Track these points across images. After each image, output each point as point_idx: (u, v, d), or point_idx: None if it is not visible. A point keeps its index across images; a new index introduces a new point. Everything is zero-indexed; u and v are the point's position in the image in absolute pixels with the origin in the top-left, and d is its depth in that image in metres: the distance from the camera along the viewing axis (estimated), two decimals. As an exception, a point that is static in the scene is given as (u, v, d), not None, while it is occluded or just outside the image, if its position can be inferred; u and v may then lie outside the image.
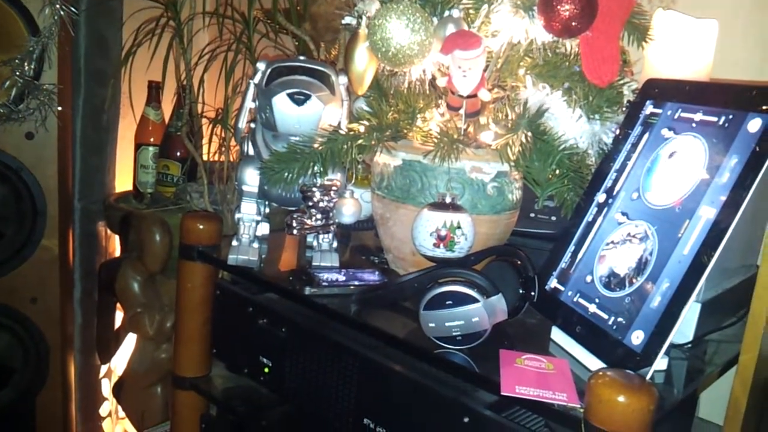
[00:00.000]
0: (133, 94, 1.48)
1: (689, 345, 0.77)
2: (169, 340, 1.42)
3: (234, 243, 0.93)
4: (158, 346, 1.44)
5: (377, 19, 0.81)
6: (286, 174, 0.86)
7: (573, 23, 0.76)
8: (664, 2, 0.99)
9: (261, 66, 0.92)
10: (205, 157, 1.47)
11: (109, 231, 1.66)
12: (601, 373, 0.58)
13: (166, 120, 1.58)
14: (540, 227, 0.98)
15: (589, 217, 0.78)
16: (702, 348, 0.79)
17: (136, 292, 1.41)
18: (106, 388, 1.72)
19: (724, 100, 0.69)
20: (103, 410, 1.74)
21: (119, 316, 1.57)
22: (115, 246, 1.72)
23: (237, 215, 0.94)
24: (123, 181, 1.72)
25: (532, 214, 1.00)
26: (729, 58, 1.03)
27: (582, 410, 0.59)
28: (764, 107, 0.64)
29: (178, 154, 1.53)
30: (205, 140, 1.48)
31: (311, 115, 0.87)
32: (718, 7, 1.06)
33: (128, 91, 1.45)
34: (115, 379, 1.63)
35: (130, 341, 1.51)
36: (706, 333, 0.79)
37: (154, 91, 1.57)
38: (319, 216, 0.90)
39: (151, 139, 1.59)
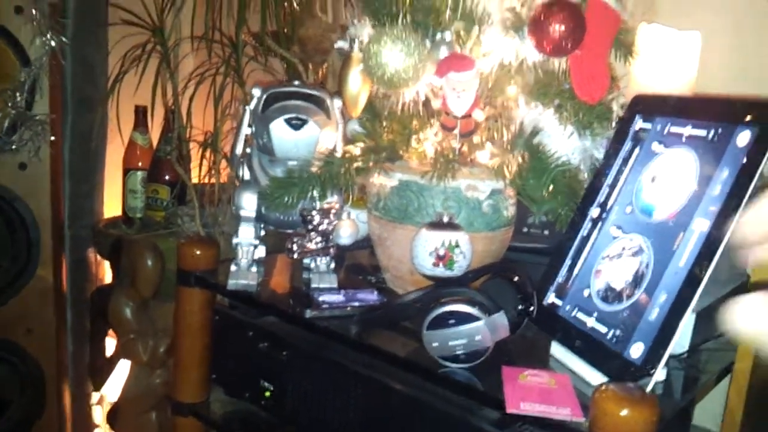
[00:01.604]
0: (121, 119, 1.48)
1: (685, 355, 0.79)
2: (163, 366, 1.41)
3: (233, 268, 0.94)
4: (152, 372, 1.43)
5: (373, 44, 0.82)
6: (286, 199, 0.87)
7: (564, 43, 0.78)
8: (646, 15, 1.01)
9: (256, 92, 0.92)
10: (194, 180, 1.47)
11: (99, 257, 1.65)
12: (604, 387, 0.59)
13: (154, 144, 1.57)
14: (534, 242, 1.00)
15: (583, 232, 0.78)
16: (697, 357, 0.80)
17: (128, 318, 1.41)
18: (99, 414, 1.70)
19: (712, 114, 0.70)
20: (96, 437, 1.72)
21: (111, 343, 1.56)
22: (104, 272, 1.71)
23: (235, 240, 0.94)
24: (111, 206, 1.71)
25: (525, 229, 1.01)
26: (712, 69, 1.05)
27: (587, 424, 0.60)
28: (751, 120, 0.65)
29: (167, 177, 1.53)
30: (194, 163, 1.49)
31: (308, 139, 0.87)
32: (700, 17, 1.06)
33: (116, 116, 1.46)
34: (107, 406, 1.62)
35: (123, 367, 1.50)
36: (701, 342, 0.80)
37: (141, 115, 1.57)
38: (319, 239, 0.90)
39: (140, 164, 1.58)
